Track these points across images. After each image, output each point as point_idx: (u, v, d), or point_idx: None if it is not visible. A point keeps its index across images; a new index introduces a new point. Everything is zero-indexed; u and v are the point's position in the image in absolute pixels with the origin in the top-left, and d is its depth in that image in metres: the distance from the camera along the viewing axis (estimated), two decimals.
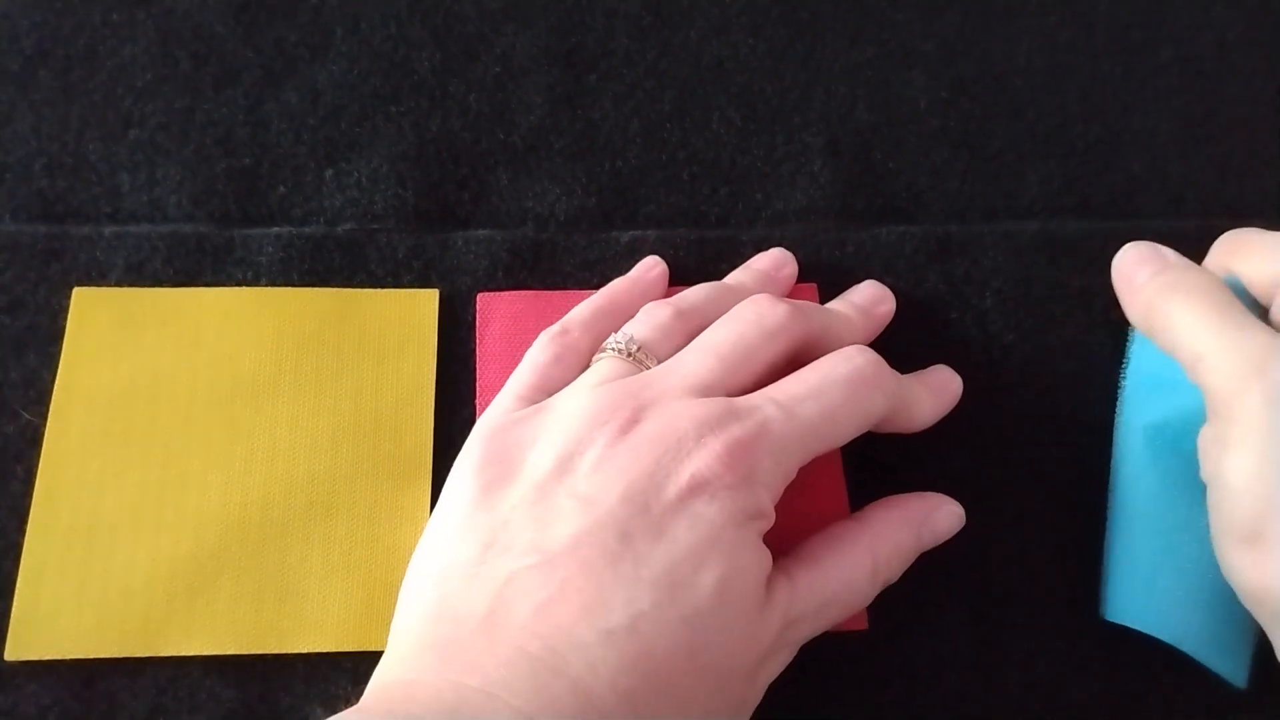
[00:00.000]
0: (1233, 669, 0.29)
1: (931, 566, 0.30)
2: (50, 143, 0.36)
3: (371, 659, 0.27)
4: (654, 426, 0.27)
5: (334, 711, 0.28)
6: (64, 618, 0.29)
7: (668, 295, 0.33)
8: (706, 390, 0.28)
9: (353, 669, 0.29)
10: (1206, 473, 0.27)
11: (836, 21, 0.40)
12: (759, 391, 0.28)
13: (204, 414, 0.32)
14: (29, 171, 0.35)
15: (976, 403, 0.33)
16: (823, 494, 0.32)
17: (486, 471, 0.27)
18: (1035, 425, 0.34)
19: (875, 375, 0.29)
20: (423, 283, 0.34)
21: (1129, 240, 0.33)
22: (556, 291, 0.35)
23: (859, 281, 0.35)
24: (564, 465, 0.27)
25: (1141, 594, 0.30)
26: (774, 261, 0.35)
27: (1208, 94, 0.40)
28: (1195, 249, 0.32)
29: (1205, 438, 0.28)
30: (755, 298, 0.30)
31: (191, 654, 0.29)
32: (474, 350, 0.34)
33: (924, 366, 0.33)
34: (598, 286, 0.33)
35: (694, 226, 0.36)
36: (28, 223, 0.35)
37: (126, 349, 0.32)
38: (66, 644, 0.29)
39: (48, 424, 0.31)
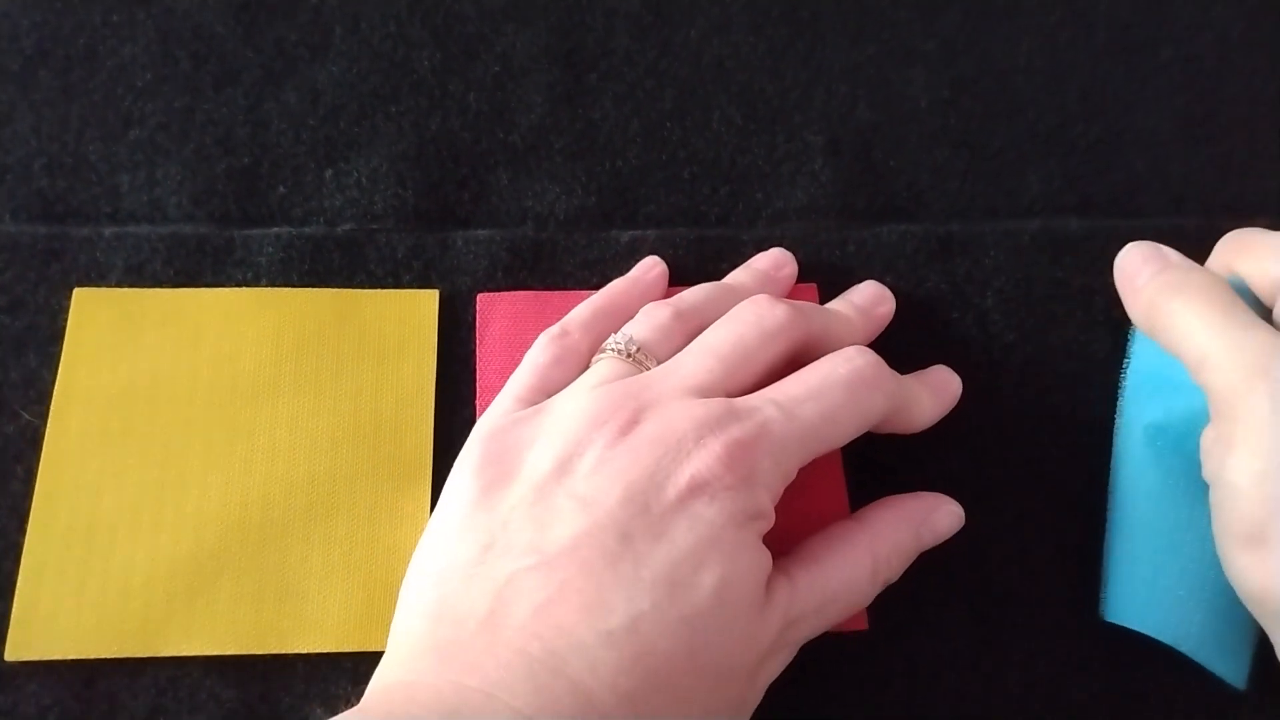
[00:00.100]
0: (1233, 670, 0.29)
1: (931, 567, 0.30)
2: (50, 143, 0.36)
3: (371, 659, 0.27)
4: (653, 427, 0.27)
5: (334, 712, 0.28)
6: (64, 618, 0.29)
7: (668, 295, 0.33)
8: (706, 391, 0.28)
9: (353, 669, 0.29)
10: (1209, 473, 0.27)
11: (837, 20, 0.40)
12: (758, 392, 0.28)
13: (204, 414, 0.32)
14: (29, 172, 0.36)
15: (977, 403, 0.33)
16: (823, 494, 0.32)
17: (486, 472, 0.27)
18: (1035, 425, 0.34)
19: (875, 376, 0.29)
20: (423, 283, 0.34)
21: (1130, 239, 0.33)
22: (556, 292, 0.34)
23: (859, 281, 0.35)
24: (564, 466, 0.27)
25: (1142, 595, 0.30)
26: (774, 261, 0.35)
27: (1209, 93, 0.40)
28: (1196, 248, 0.32)
29: (1208, 438, 0.27)
30: (755, 298, 0.30)
31: (191, 654, 0.29)
32: (474, 351, 0.34)
33: (924, 366, 0.33)
34: (598, 286, 0.33)
35: (694, 226, 0.36)
36: (28, 223, 0.35)
37: (126, 349, 0.32)
38: (66, 644, 0.29)
39: (48, 424, 0.31)
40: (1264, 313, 0.30)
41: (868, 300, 0.34)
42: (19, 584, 0.29)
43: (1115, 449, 0.32)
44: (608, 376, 0.29)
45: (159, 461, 0.31)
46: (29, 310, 0.33)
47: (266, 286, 0.34)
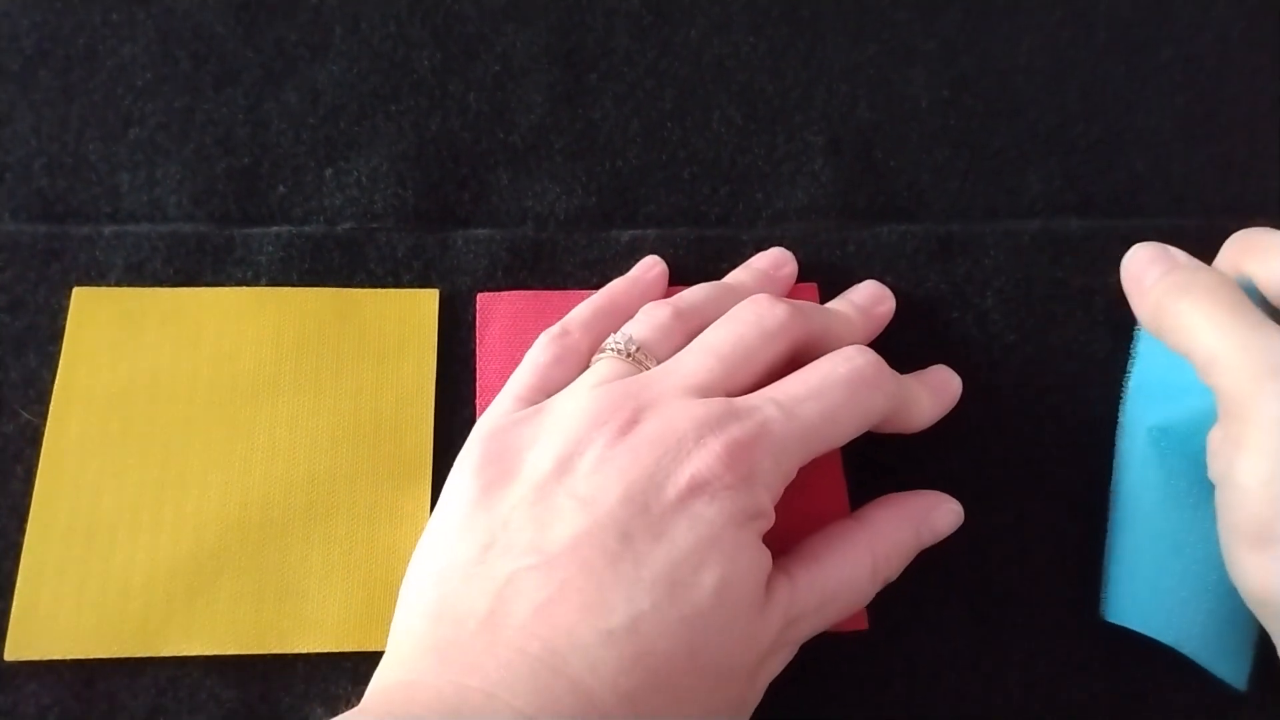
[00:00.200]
0: (1233, 672, 0.29)
1: (931, 566, 0.30)
2: (50, 142, 0.36)
3: (372, 659, 0.27)
4: (653, 427, 0.27)
5: (334, 711, 0.28)
6: (64, 618, 0.29)
7: (668, 295, 0.33)
8: (706, 391, 0.28)
9: (353, 669, 0.29)
10: (1216, 473, 0.27)
11: (837, 20, 0.40)
12: (759, 392, 0.28)
13: (204, 414, 0.32)
14: (29, 171, 0.35)
15: (977, 403, 0.33)
16: (823, 494, 0.32)
17: (486, 472, 0.27)
18: (1036, 425, 0.34)
19: (875, 375, 0.29)
20: (423, 282, 0.34)
21: (1131, 239, 0.33)
22: (556, 291, 0.34)
23: (859, 281, 0.35)
24: (564, 466, 0.27)
25: (1143, 596, 0.30)
26: (773, 261, 0.35)
27: (1209, 93, 0.40)
28: (1197, 248, 0.32)
29: (1215, 438, 0.27)
30: (755, 298, 0.30)
31: (191, 654, 0.29)
32: (474, 350, 0.34)
33: (925, 366, 0.33)
34: (598, 286, 0.33)
35: (694, 226, 0.36)
36: (28, 222, 0.35)
37: (126, 349, 0.32)
38: (66, 644, 0.29)
39: (47, 424, 0.31)
40: (1273, 313, 0.29)
41: (867, 300, 0.34)
42: (19, 583, 0.29)
43: (1118, 450, 0.32)
44: (608, 376, 0.29)
45: (159, 461, 0.31)
46: (29, 309, 0.33)
47: (266, 286, 0.34)
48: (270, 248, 0.35)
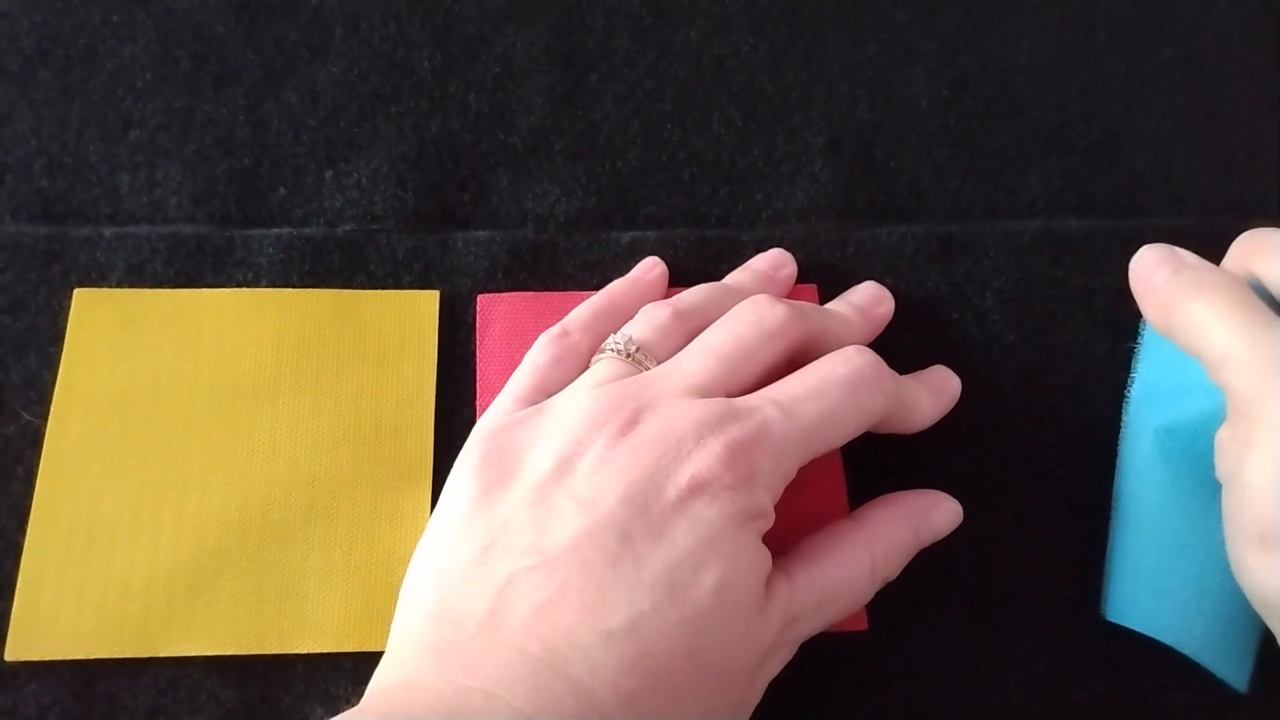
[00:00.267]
0: (1235, 673, 0.29)
1: (931, 567, 0.30)
2: (50, 143, 0.36)
3: (372, 660, 0.27)
4: (653, 427, 0.27)
5: (334, 712, 0.28)
6: (64, 618, 0.29)
7: (667, 296, 0.33)
8: (706, 391, 0.28)
9: (353, 669, 0.30)
10: (1224, 472, 0.27)
11: (837, 20, 0.40)
12: (758, 392, 0.28)
13: (204, 415, 0.32)
14: (29, 172, 0.36)
15: (977, 403, 0.33)
16: (822, 494, 0.32)
17: (486, 472, 0.27)
18: (1035, 425, 0.34)
19: (875, 375, 0.29)
20: (423, 284, 0.35)
21: (1131, 239, 0.33)
22: (556, 293, 0.35)
23: (859, 282, 0.35)
24: (563, 466, 0.27)
25: (1145, 596, 0.30)
26: (773, 262, 0.35)
27: (1209, 92, 0.40)
28: (1197, 247, 0.32)
29: (1224, 437, 0.27)
30: (754, 298, 0.30)
31: (192, 654, 0.29)
32: (474, 351, 0.34)
33: (925, 367, 0.33)
34: (598, 287, 0.33)
35: (694, 227, 0.36)
36: (28, 224, 0.35)
37: (127, 350, 0.32)
38: (67, 644, 0.29)
39: (48, 425, 0.31)
40: None
41: (867, 300, 0.34)
42: (19, 584, 0.29)
43: (1122, 450, 0.32)
44: (607, 376, 0.29)
45: (159, 462, 0.31)
46: (29, 311, 0.33)
47: (267, 287, 0.34)
48: (271, 249, 0.35)
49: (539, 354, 0.31)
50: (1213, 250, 0.31)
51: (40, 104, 0.37)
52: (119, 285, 0.33)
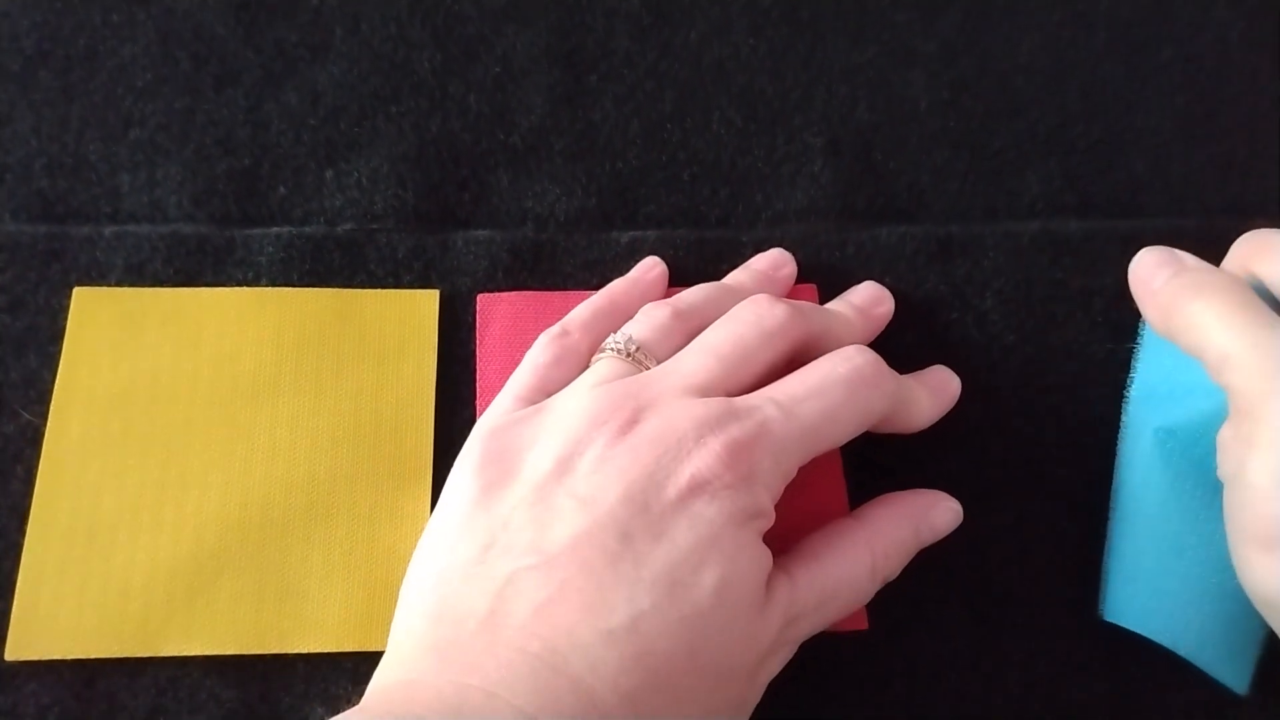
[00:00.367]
0: (1234, 676, 0.29)
1: (931, 567, 0.30)
2: (50, 143, 0.36)
3: (372, 659, 0.27)
4: (653, 427, 0.27)
5: (334, 711, 0.28)
6: (64, 618, 0.29)
7: (667, 296, 0.33)
8: (706, 390, 0.28)
9: (353, 669, 0.29)
10: (1226, 472, 0.27)
11: (837, 21, 0.40)
12: (758, 391, 0.28)
13: (204, 414, 0.32)
14: (29, 171, 0.36)
15: (976, 403, 0.33)
16: (823, 493, 0.32)
17: (486, 472, 0.27)
18: (1035, 426, 0.34)
19: (874, 375, 0.29)
20: (423, 283, 0.35)
21: (1130, 240, 0.33)
22: (556, 292, 0.35)
23: (859, 282, 0.35)
24: (564, 465, 0.27)
25: (1143, 596, 0.30)
26: (773, 262, 0.35)
27: (1209, 93, 0.40)
28: (1197, 248, 0.32)
29: (1226, 436, 0.27)
30: (754, 298, 0.30)
31: (192, 654, 0.29)
32: (474, 351, 0.34)
33: (924, 367, 0.33)
34: (597, 287, 0.33)
35: (694, 227, 0.36)
36: (28, 223, 0.35)
37: (127, 349, 0.32)
38: (66, 644, 0.29)
39: (48, 424, 0.31)
40: None
41: (867, 301, 0.34)
42: (19, 584, 0.29)
43: (1121, 450, 0.32)
44: (607, 376, 0.29)
45: (159, 461, 0.31)
46: (29, 310, 0.33)
47: (267, 286, 0.34)
48: (270, 248, 0.35)
49: (539, 353, 0.31)
50: (1212, 251, 0.31)
51: (40, 103, 0.37)
52: (119, 284, 0.33)
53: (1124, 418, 0.32)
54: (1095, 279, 0.36)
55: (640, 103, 0.38)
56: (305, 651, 0.29)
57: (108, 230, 0.34)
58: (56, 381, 0.32)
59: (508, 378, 0.31)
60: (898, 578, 0.29)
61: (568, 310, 0.32)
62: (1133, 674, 0.31)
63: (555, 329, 0.31)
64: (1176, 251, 0.31)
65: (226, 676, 0.29)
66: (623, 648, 0.24)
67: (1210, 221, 0.34)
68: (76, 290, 0.33)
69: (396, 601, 0.27)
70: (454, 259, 0.35)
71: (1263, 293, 0.29)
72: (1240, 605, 0.28)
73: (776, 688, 0.28)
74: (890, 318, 0.34)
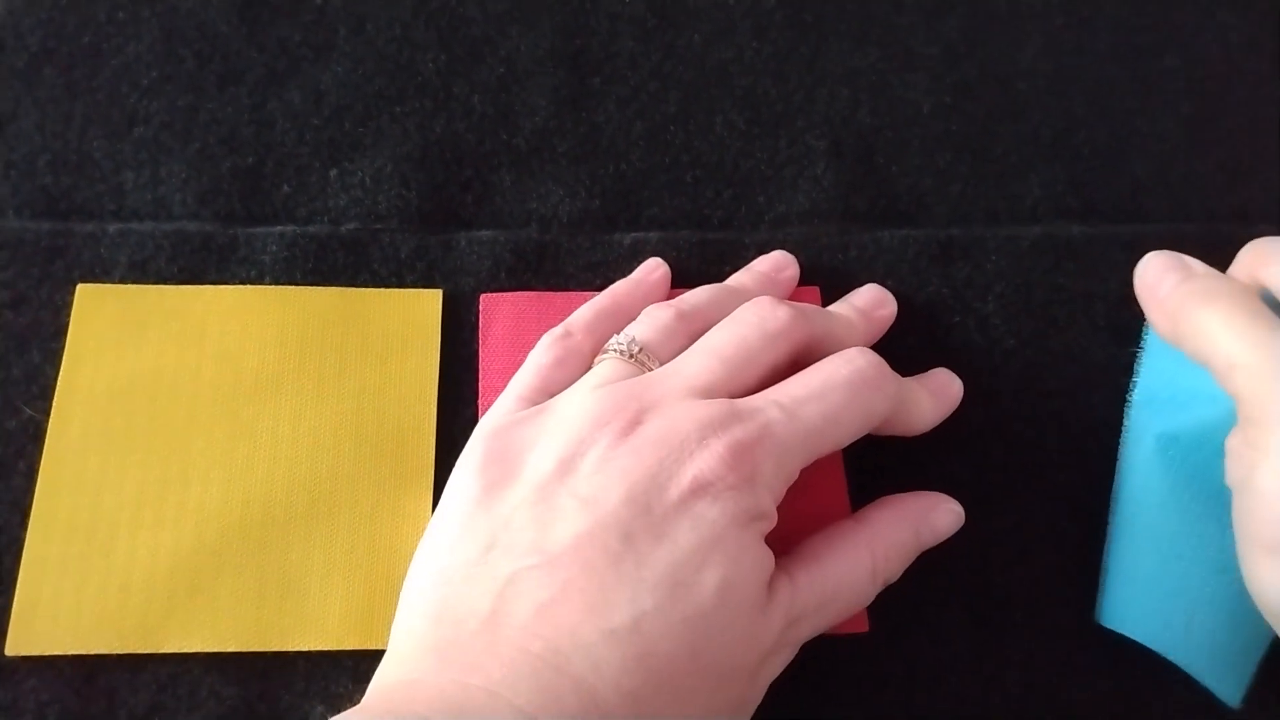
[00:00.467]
0: (1228, 688, 0.29)
1: (932, 569, 0.30)
2: (55, 140, 0.36)
3: (372, 658, 0.27)
4: (656, 428, 0.27)
5: (335, 709, 0.28)
6: (65, 613, 0.29)
7: (670, 297, 0.33)
8: (708, 392, 0.28)
9: (353, 667, 0.29)
10: (1235, 479, 0.27)
11: (840, 25, 0.41)
12: (761, 393, 0.28)
13: (206, 411, 0.32)
14: (33, 168, 0.36)
15: (977, 407, 0.33)
16: (824, 495, 0.32)
17: (488, 472, 0.28)
18: (1036, 429, 0.34)
19: (877, 377, 0.29)
20: (426, 283, 0.35)
21: (1133, 245, 0.33)
22: (559, 293, 0.35)
23: (861, 285, 0.35)
24: (566, 466, 0.27)
25: (1138, 602, 0.30)
26: (775, 264, 0.35)
27: (1212, 98, 0.40)
28: (1200, 253, 0.32)
29: (1235, 443, 0.27)
30: (757, 300, 0.30)
31: (192, 651, 0.29)
32: (477, 351, 0.34)
33: (926, 370, 0.33)
34: (600, 288, 0.34)
35: (697, 229, 0.37)
36: (32, 219, 0.35)
37: (129, 346, 0.32)
38: (67, 639, 0.29)
39: (50, 420, 0.31)
40: None
41: (869, 303, 0.34)
42: (20, 579, 0.29)
43: (1122, 455, 0.32)
44: (610, 377, 0.29)
45: (161, 458, 0.31)
46: (32, 306, 0.33)
47: (270, 285, 0.34)
48: (274, 247, 0.35)
49: (542, 354, 0.31)
50: (1215, 255, 0.31)
51: (45, 100, 0.37)
52: (122, 281, 0.34)
53: (1126, 422, 0.32)
54: (1097, 283, 0.36)
55: (644, 104, 0.39)
56: (306, 649, 0.29)
57: (111, 227, 0.34)
58: (59, 378, 0.32)
59: (510, 378, 0.31)
60: (898, 580, 0.30)
61: (570, 311, 0.32)
62: (1133, 676, 0.31)
63: (558, 330, 0.31)
64: (1183, 257, 0.31)
65: (227, 674, 0.29)
66: (625, 648, 0.24)
67: (1213, 226, 0.34)
68: (80, 287, 0.33)
69: (397, 600, 0.27)
70: (457, 259, 0.35)
71: (1269, 300, 0.29)
72: (1236, 616, 0.28)
73: (777, 689, 0.28)
74: (892, 320, 0.34)
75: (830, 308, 0.33)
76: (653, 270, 0.34)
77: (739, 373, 0.29)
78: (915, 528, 0.30)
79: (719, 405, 0.27)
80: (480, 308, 0.34)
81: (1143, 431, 0.31)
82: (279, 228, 0.35)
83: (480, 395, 0.33)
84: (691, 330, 0.30)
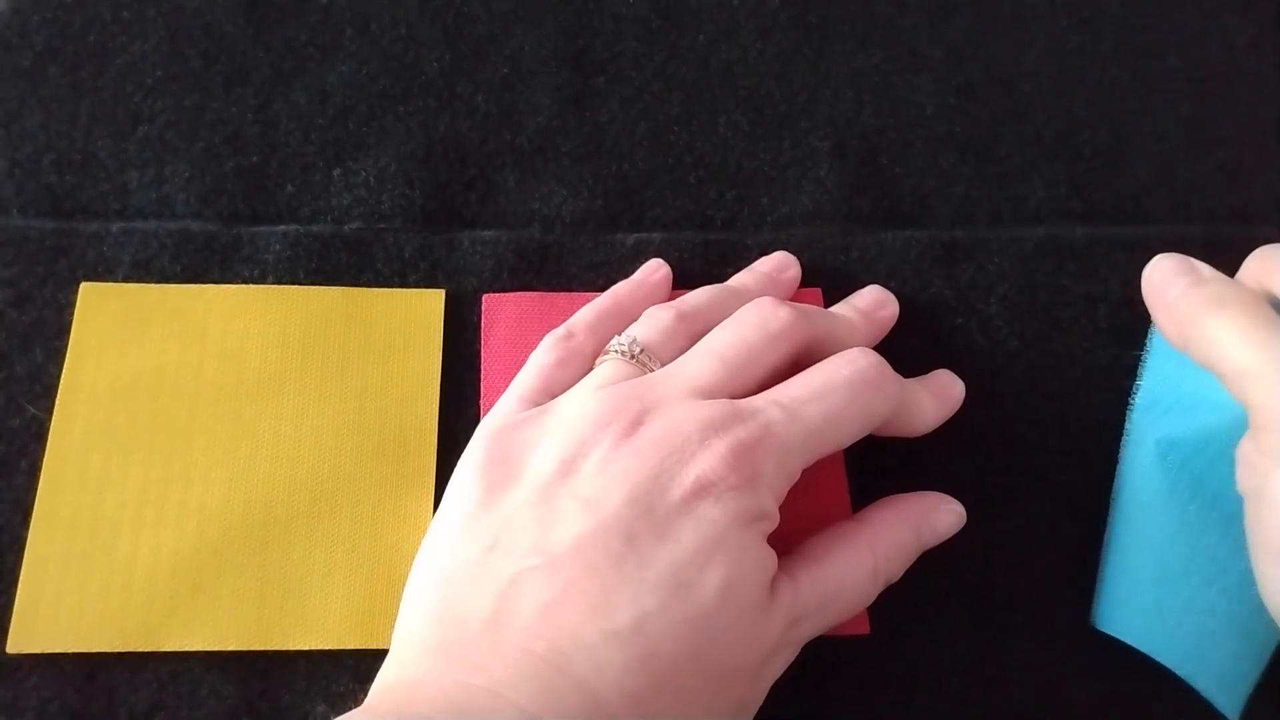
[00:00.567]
0: (1224, 698, 0.29)
1: (933, 571, 0.30)
2: (59, 139, 0.36)
3: (374, 657, 0.27)
4: (658, 428, 0.27)
5: (336, 709, 0.28)
6: (66, 612, 0.29)
7: (672, 298, 0.33)
8: (710, 393, 0.28)
9: (354, 667, 0.30)
10: (1247, 487, 0.26)
11: (844, 26, 0.41)
12: (762, 394, 0.28)
13: (209, 410, 0.32)
14: (38, 167, 0.36)
15: (979, 408, 0.33)
16: (826, 496, 0.32)
17: (490, 472, 0.28)
18: (1038, 431, 0.34)
19: (878, 377, 0.29)
20: (429, 283, 0.35)
21: (1135, 247, 0.33)
22: (561, 293, 0.35)
23: (863, 286, 0.35)
24: (567, 467, 0.27)
25: (1133, 607, 0.30)
26: (777, 264, 0.35)
27: (1215, 100, 0.40)
28: (1202, 255, 0.32)
29: (1247, 451, 0.27)
30: (759, 301, 0.30)
31: (193, 649, 0.29)
32: (479, 351, 0.34)
33: (928, 371, 0.33)
34: (603, 288, 0.34)
35: (699, 230, 0.37)
36: (36, 218, 0.35)
37: (132, 345, 0.32)
38: (69, 638, 0.29)
39: (53, 418, 0.31)
40: None
41: (871, 304, 0.34)
42: (22, 577, 0.29)
43: (1122, 459, 0.32)
44: (612, 378, 0.29)
45: (163, 457, 0.31)
46: (36, 304, 0.33)
47: (273, 284, 0.34)
48: (277, 246, 0.35)
49: (544, 355, 0.31)
50: (1218, 257, 0.31)
51: (50, 99, 0.37)
52: (126, 280, 0.34)
53: (1127, 425, 0.32)
54: (1100, 285, 0.36)
55: (647, 105, 0.39)
56: (307, 649, 0.29)
57: (115, 226, 0.34)
58: (62, 376, 0.32)
59: (512, 378, 0.31)
60: (899, 581, 0.30)
61: (573, 312, 0.32)
62: (1134, 679, 0.30)
63: (560, 330, 0.31)
64: (1192, 260, 0.30)
65: (228, 672, 0.29)
66: (627, 649, 0.24)
67: (1215, 228, 0.34)
68: (83, 285, 0.33)
69: (399, 600, 0.27)
70: (460, 259, 0.35)
71: (1278, 308, 0.29)
72: (1234, 625, 0.28)
73: (778, 690, 0.28)
74: (894, 322, 0.34)
75: (832, 309, 0.33)
76: (654, 271, 0.34)
77: (740, 373, 0.29)
78: (916, 528, 0.30)
79: (720, 406, 0.27)
80: (483, 308, 0.34)
81: (1143, 436, 0.31)
82: (282, 227, 0.35)
83: (482, 395, 0.33)
84: (693, 331, 0.30)
